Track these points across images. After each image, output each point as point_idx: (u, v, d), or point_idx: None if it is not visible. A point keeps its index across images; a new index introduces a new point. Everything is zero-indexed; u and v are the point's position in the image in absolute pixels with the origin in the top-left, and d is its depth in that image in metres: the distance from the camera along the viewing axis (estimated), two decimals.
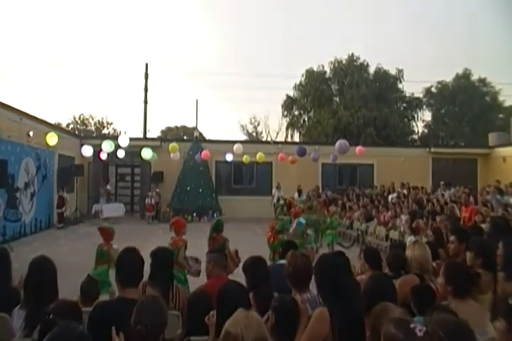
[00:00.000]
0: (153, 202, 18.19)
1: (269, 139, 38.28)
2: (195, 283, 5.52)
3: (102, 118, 43.11)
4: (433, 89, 34.58)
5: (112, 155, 15.25)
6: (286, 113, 33.92)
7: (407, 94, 33.27)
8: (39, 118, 15.39)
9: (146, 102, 29.48)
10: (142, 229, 15.07)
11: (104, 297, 4.31)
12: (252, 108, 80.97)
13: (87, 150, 14.06)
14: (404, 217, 10.86)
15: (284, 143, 23.43)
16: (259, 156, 16.51)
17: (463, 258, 4.24)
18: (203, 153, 16.46)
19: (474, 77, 33.71)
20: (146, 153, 14.38)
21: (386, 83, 32.23)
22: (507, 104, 33.80)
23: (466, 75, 33.78)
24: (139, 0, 67.47)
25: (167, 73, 70.23)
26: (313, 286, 3.10)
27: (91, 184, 19.29)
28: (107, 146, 13.29)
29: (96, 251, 5.91)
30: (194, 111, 26.37)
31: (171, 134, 43.74)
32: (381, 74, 32.29)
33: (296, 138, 33.67)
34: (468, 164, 21.84)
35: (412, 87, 53.19)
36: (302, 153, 13.92)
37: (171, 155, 16.17)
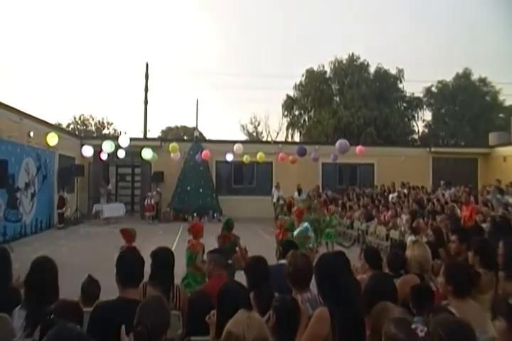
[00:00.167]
0: (152, 202, 18.18)
1: (269, 139, 38.28)
2: None
3: (103, 119, 43.12)
4: (433, 89, 34.60)
5: (113, 155, 15.27)
6: (286, 113, 33.96)
7: (408, 94, 33.34)
8: (39, 119, 15.40)
9: (146, 102, 29.51)
10: (142, 229, 14.97)
11: None
12: (252, 108, 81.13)
13: (88, 151, 14.07)
14: (404, 217, 10.87)
15: (285, 143, 23.46)
16: (260, 156, 16.52)
17: (464, 258, 4.25)
18: (203, 153, 16.47)
19: (474, 77, 33.79)
20: (147, 153, 14.40)
21: (386, 83, 32.25)
22: (507, 103, 33.88)
23: (466, 75, 33.79)
24: (139, 0, 67.51)
25: (167, 73, 70.37)
26: (313, 286, 3.10)
27: (91, 184, 19.31)
28: (108, 146, 13.30)
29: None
30: (194, 111, 26.43)
31: (172, 134, 43.75)
32: (381, 74, 32.30)
33: (297, 138, 33.74)
34: (468, 164, 21.84)
35: (413, 86, 53.19)
36: (302, 153, 13.93)
37: (172, 155, 16.18)
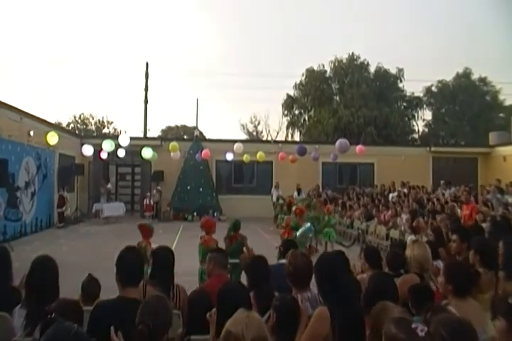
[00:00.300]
0: (151, 202, 18.16)
1: (269, 138, 38.28)
2: (196, 282, 5.55)
3: (103, 118, 43.10)
4: (433, 88, 34.58)
5: (113, 154, 15.28)
6: (286, 112, 33.96)
7: (408, 94, 33.34)
8: (39, 118, 15.39)
9: (146, 102, 29.51)
10: None
11: None
12: (252, 107, 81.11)
13: (88, 150, 14.08)
14: (404, 216, 10.87)
15: (285, 143, 23.47)
16: (260, 155, 16.53)
17: (464, 257, 4.25)
18: (203, 153, 16.47)
19: (475, 76, 33.76)
20: (147, 153, 14.40)
21: (386, 82, 32.24)
22: (507, 103, 33.87)
23: (466, 74, 33.77)
24: (139, 0, 67.45)
25: (167, 73, 70.36)
26: (313, 285, 3.10)
27: (91, 183, 19.31)
28: (108, 146, 13.31)
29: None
30: (194, 110, 26.51)
31: (172, 133, 43.74)
32: (381, 74, 32.29)
33: (297, 138, 33.74)
34: (468, 163, 21.84)
35: (413, 86, 53.36)
36: (302, 152, 13.93)
37: (172, 154, 16.19)
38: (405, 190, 15.73)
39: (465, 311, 2.67)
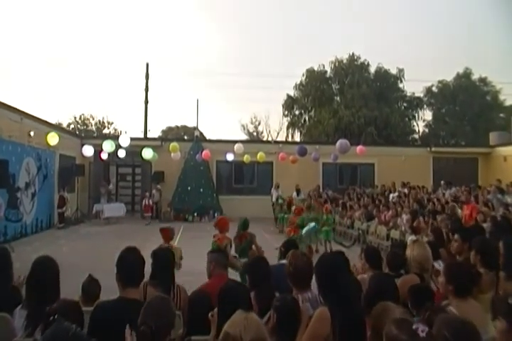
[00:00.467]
0: (150, 202, 18.13)
1: (269, 139, 38.27)
2: (196, 282, 5.54)
3: (103, 118, 43.12)
4: (434, 89, 34.59)
5: (113, 155, 15.29)
6: (286, 112, 33.96)
7: (408, 94, 33.35)
8: (40, 119, 15.40)
9: (146, 102, 29.53)
10: (143, 229, 15.06)
11: None
12: (252, 108, 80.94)
13: (88, 150, 14.09)
14: (405, 217, 10.87)
15: (285, 143, 23.46)
16: (260, 156, 16.53)
17: (465, 257, 4.25)
18: (203, 153, 16.47)
19: (475, 77, 33.77)
20: (147, 153, 14.41)
21: (387, 82, 32.25)
22: (507, 103, 33.88)
23: (466, 74, 33.77)
24: (139, 0, 67.50)
25: (168, 73, 70.40)
26: (314, 286, 3.10)
27: (92, 184, 19.32)
28: (108, 146, 13.31)
29: None
30: (195, 110, 26.54)
31: (172, 134, 43.73)
32: (382, 74, 32.31)
33: (297, 138, 33.74)
34: (469, 163, 21.83)
35: (413, 86, 53.38)
36: (303, 153, 13.93)
37: (172, 154, 16.20)
38: (406, 191, 15.73)
39: (466, 311, 2.67)
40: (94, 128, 42.58)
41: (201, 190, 19.17)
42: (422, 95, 34.09)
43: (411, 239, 7.29)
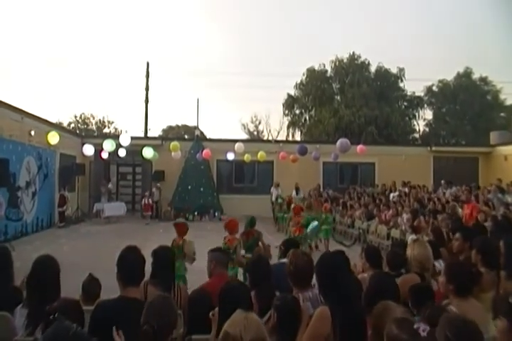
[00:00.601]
0: (150, 201, 18.12)
1: (270, 138, 38.26)
2: (197, 281, 5.54)
3: (103, 118, 43.09)
4: (434, 88, 34.52)
5: (113, 154, 15.29)
6: (287, 112, 33.94)
7: (408, 93, 33.27)
8: (40, 118, 15.39)
9: (147, 101, 29.51)
10: (143, 228, 15.07)
11: None
12: (253, 107, 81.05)
13: (89, 149, 14.10)
14: (405, 216, 10.87)
15: (285, 142, 23.47)
16: (261, 155, 16.53)
17: (466, 257, 4.25)
18: (204, 152, 16.47)
19: (475, 76, 33.69)
20: (147, 152, 14.41)
21: (387, 82, 32.21)
22: (508, 102, 33.82)
23: (467, 74, 33.72)
24: (139, 0, 67.45)
25: (168, 72, 70.23)
26: (314, 285, 3.10)
27: (92, 183, 19.32)
28: (108, 145, 13.32)
29: (172, 247, 5.89)
30: (195, 110, 26.43)
31: (172, 133, 43.70)
32: (382, 73, 32.26)
33: (298, 137, 33.70)
34: (469, 163, 21.81)
35: (413, 85, 53.34)
36: (303, 152, 13.92)
37: (172, 154, 16.19)
38: (406, 190, 15.72)
39: (466, 311, 2.66)
40: (94, 127, 42.58)
41: (202, 189, 19.16)
42: (422, 94, 34.05)
43: (411, 238, 7.28)
